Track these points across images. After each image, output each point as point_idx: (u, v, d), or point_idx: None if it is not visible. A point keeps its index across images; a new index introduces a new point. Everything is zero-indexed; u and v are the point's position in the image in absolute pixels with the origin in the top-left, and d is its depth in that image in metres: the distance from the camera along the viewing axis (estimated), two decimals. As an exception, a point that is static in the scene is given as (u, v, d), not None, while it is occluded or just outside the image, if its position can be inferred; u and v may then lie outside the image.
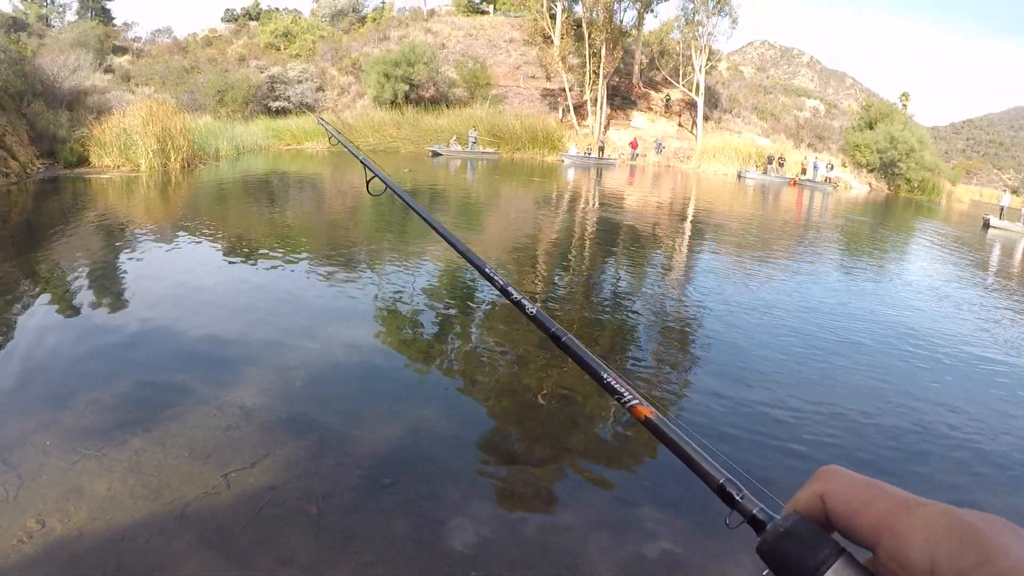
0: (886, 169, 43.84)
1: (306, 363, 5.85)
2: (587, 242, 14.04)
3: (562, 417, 5.35)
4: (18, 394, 4.94)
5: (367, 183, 1.82)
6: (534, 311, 0.96)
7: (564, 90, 42.77)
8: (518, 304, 0.98)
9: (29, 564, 3.15)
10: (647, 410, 0.75)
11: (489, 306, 8.09)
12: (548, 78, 45.04)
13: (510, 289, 1.02)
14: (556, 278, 10.46)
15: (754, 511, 0.61)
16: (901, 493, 0.49)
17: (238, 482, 3.91)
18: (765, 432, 5.21)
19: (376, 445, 4.58)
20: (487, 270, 1.12)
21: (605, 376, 0.79)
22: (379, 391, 5.47)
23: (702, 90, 43.32)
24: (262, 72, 40.18)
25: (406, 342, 6.64)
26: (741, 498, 0.63)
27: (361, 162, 1.86)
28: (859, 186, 43.93)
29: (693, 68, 43.49)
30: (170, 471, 3.99)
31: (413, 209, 1.54)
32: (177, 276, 8.47)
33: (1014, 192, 47.24)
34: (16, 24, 42.28)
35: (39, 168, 18.40)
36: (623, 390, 0.78)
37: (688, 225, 18.38)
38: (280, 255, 10.04)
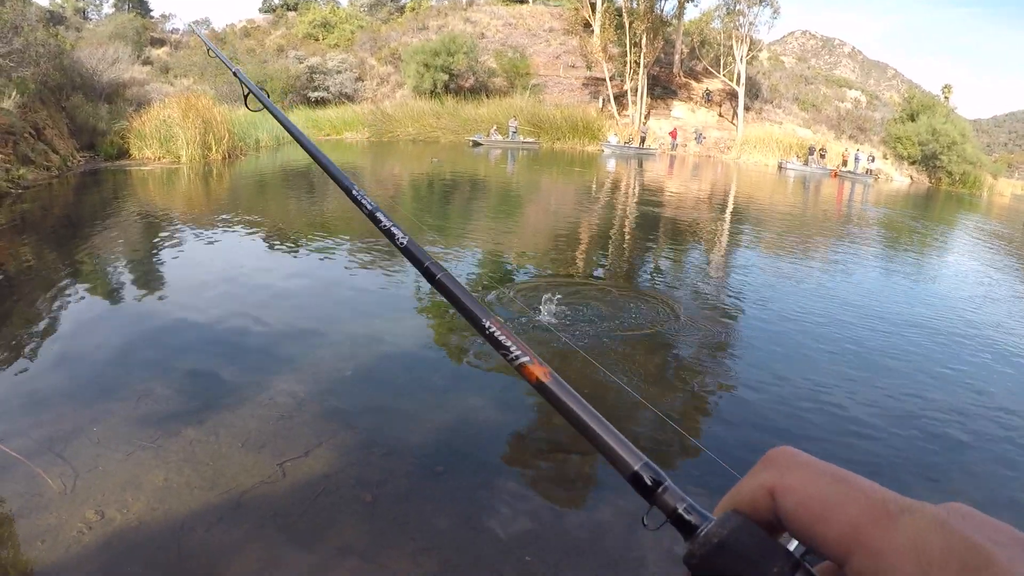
0: (927, 162, 42.99)
1: (354, 354, 5.91)
2: (627, 232, 13.97)
3: (612, 405, 5.34)
4: (70, 387, 5.02)
5: (244, 99, 1.74)
6: (405, 241, 0.84)
7: (604, 80, 42.53)
8: (387, 233, 0.88)
9: (91, 554, 3.22)
10: (541, 370, 0.62)
11: (531, 291, 8.08)
12: (588, 67, 44.86)
13: (379, 215, 0.92)
14: (595, 266, 10.43)
15: (679, 508, 0.47)
16: (878, 491, 0.38)
17: (293, 471, 3.97)
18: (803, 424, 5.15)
19: (426, 434, 4.62)
20: (355, 192, 1.01)
21: (487, 325, 0.65)
22: (426, 381, 5.50)
23: (743, 80, 42.81)
24: (301, 62, 40.51)
25: (451, 331, 6.65)
26: (662, 491, 0.49)
27: (234, 74, 1.85)
28: (900, 178, 43.11)
29: (734, 58, 42.97)
30: (225, 461, 4.06)
31: (284, 125, 1.44)
32: (221, 267, 8.60)
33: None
34: (54, 18, 43.02)
35: (80, 161, 18.58)
36: (510, 343, 0.64)
37: (728, 216, 18.21)
38: (322, 245, 10.14)
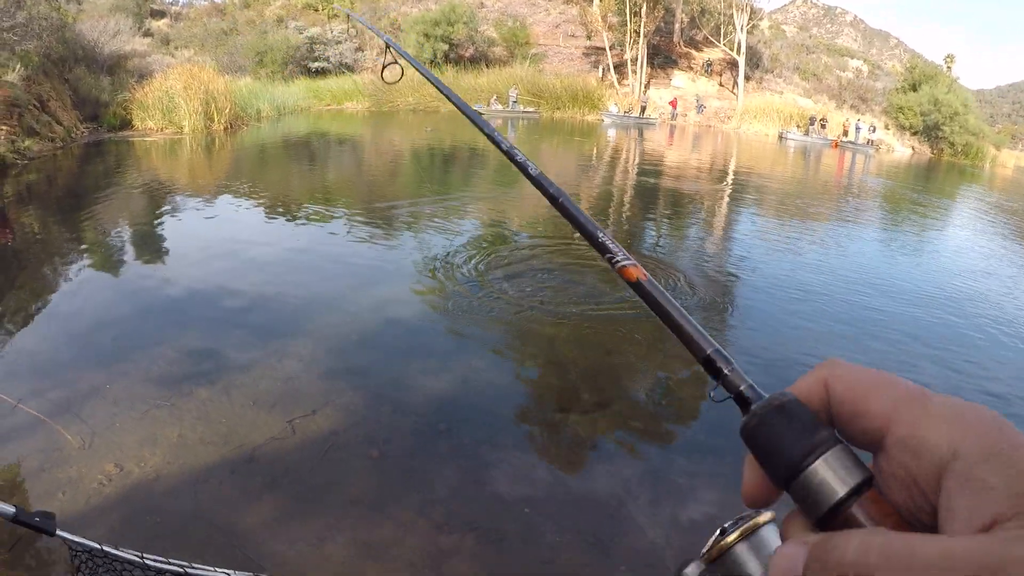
0: (929, 132, 42.85)
1: (359, 319, 6.06)
2: (627, 201, 14.09)
3: (607, 368, 5.51)
4: (84, 351, 5.18)
5: (382, 70, 1.82)
6: (536, 173, 0.93)
7: (604, 49, 42.27)
8: (521, 165, 0.97)
9: (112, 504, 3.39)
10: (639, 271, 0.69)
11: (530, 261, 8.22)
12: (588, 37, 44.55)
13: (514, 151, 1.01)
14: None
15: (742, 387, 0.53)
16: (914, 384, 0.43)
17: (302, 428, 4.14)
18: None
19: (429, 394, 4.79)
20: (492, 133, 1.14)
21: (600, 235, 0.75)
22: (428, 344, 5.66)
23: (743, 50, 42.55)
24: (301, 33, 40.24)
25: (451, 297, 6.80)
26: (730, 371, 0.55)
27: (386, 43, 1.91)
28: (902, 149, 43.01)
29: (734, 27, 42.64)
30: (237, 419, 4.23)
31: (430, 81, 1.57)
32: (226, 235, 8.73)
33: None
34: (55, -9, 42.56)
35: (83, 132, 18.56)
36: (616, 249, 0.73)
37: (728, 186, 18.28)
38: (325, 215, 10.26)
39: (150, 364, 4.91)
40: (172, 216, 9.73)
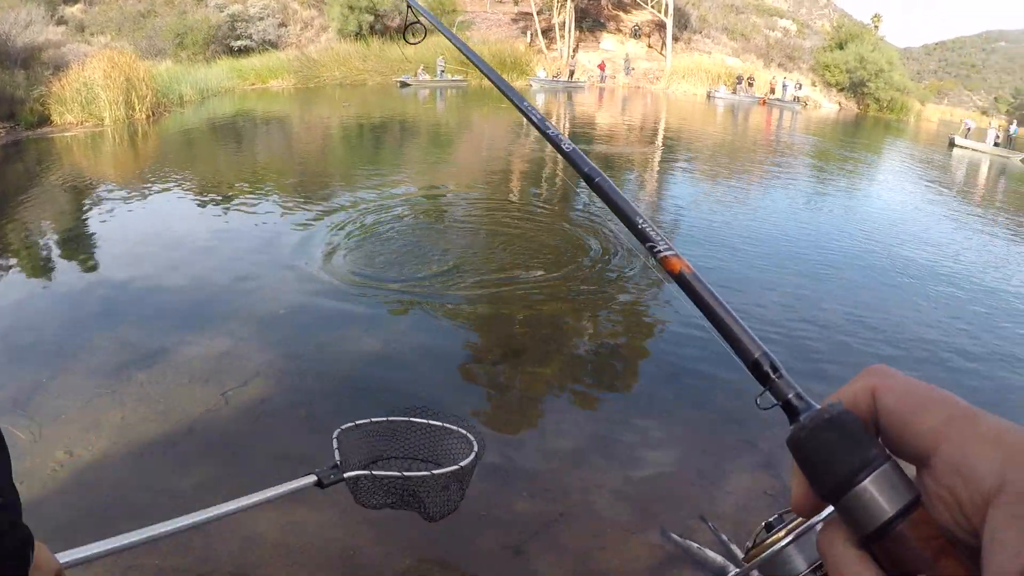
0: (855, 89, 44.23)
1: (285, 295, 6.35)
2: (560, 165, 14.40)
3: (534, 333, 5.92)
4: (23, 351, 5.29)
5: (404, 29, 1.83)
6: (570, 148, 0.92)
7: (532, 14, 42.35)
8: (553, 139, 0.96)
9: (66, 488, 3.66)
10: (682, 262, 0.66)
11: (459, 228, 8.60)
12: (516, 2, 44.55)
13: (547, 124, 1.00)
14: (533, 198, 10.93)
15: (790, 395, 0.53)
16: (963, 401, 0.43)
17: (235, 399, 4.47)
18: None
19: (354, 359, 5.18)
20: (524, 105, 1.11)
21: (639, 222, 0.73)
22: (354, 314, 5.99)
23: (671, 11, 43.00)
24: (221, 11, 39.33)
25: (379, 269, 7.09)
26: (778, 377, 0.54)
27: (408, 4, 1.88)
28: (828, 105, 44.21)
29: (662, -11, 43.11)
30: (174, 396, 4.53)
31: (459, 48, 1.59)
32: (153, 225, 8.80)
33: (983, 113, 47.86)
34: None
35: (0, 133, 18.04)
36: (656, 238, 0.71)
37: (658, 146, 18.83)
38: (252, 198, 10.29)
39: (88, 356, 5.11)
40: (98, 211, 9.64)
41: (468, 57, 1.50)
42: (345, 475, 1.87)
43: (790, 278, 7.69)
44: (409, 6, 1.88)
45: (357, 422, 2.39)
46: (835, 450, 0.44)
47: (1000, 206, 15.82)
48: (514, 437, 4.32)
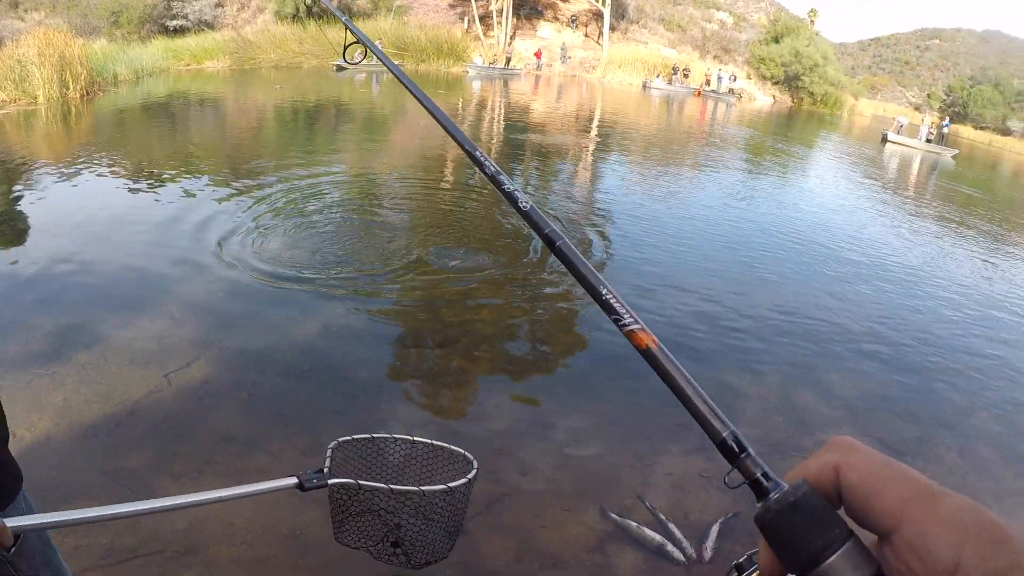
0: (790, 82, 45.59)
1: (224, 278, 6.39)
2: (493, 153, 14.59)
3: (470, 319, 6.12)
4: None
5: (344, 50, 1.84)
6: (527, 207, 0.87)
7: (470, 1, 42.29)
8: (509, 196, 0.89)
9: (8, 468, 3.72)
10: (649, 338, 0.67)
11: (392, 213, 8.76)
12: (454, -12, 44.43)
13: (501, 178, 0.93)
14: (465, 188, 11.08)
15: (757, 474, 0.55)
16: (923, 478, 0.46)
17: (177, 380, 4.57)
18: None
19: (293, 341, 5.31)
20: (477, 154, 1.04)
21: (604, 292, 0.71)
22: (290, 297, 6.07)
23: (609, 1, 43.43)
24: (157, -11, 38.30)
25: (315, 253, 7.19)
26: (745, 457, 0.57)
27: (345, 24, 1.95)
28: (763, 98, 45.38)
29: (600, -21, 43.44)
30: (116, 378, 4.58)
31: (401, 80, 1.54)
32: (87, 208, 8.62)
33: (916, 109, 49.59)
34: None
35: (-70, 115, 17.28)
36: (622, 311, 0.70)
37: (593, 135, 19.14)
38: (186, 180, 10.19)
39: (27, 339, 5.06)
40: (29, 192, 9.38)
41: (409, 89, 1.46)
42: (330, 481, 1.94)
43: (715, 274, 8.07)
44: (348, 28, 1.93)
45: (354, 436, 2.38)
46: (801, 532, 0.48)
47: (929, 201, 16.73)
48: (454, 422, 4.54)
